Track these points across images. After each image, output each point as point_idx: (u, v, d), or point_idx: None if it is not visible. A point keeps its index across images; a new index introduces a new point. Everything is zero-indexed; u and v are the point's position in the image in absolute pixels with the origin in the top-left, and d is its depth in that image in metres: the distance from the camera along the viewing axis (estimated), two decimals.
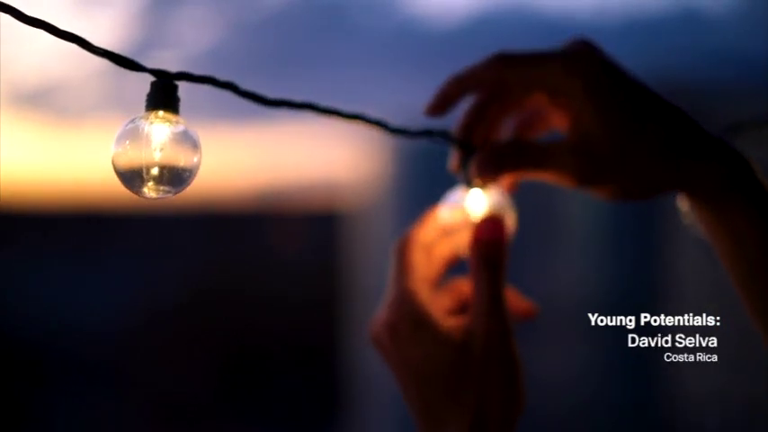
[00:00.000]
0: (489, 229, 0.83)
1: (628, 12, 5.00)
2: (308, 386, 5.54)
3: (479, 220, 0.84)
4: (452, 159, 0.86)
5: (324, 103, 0.80)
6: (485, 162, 0.82)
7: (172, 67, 0.73)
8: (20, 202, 5.94)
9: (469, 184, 0.85)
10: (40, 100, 5.89)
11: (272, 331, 5.74)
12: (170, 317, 5.68)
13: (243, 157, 5.81)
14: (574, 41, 0.82)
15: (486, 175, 0.83)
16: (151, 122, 0.71)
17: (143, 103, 0.72)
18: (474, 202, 0.85)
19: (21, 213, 5.98)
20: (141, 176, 0.71)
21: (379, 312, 0.83)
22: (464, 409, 0.78)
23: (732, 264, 0.80)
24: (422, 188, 4.07)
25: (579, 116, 0.80)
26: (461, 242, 0.85)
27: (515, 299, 0.87)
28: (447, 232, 0.86)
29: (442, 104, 0.84)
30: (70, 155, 5.95)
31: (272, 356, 5.72)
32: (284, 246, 5.97)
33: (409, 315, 0.80)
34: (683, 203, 0.87)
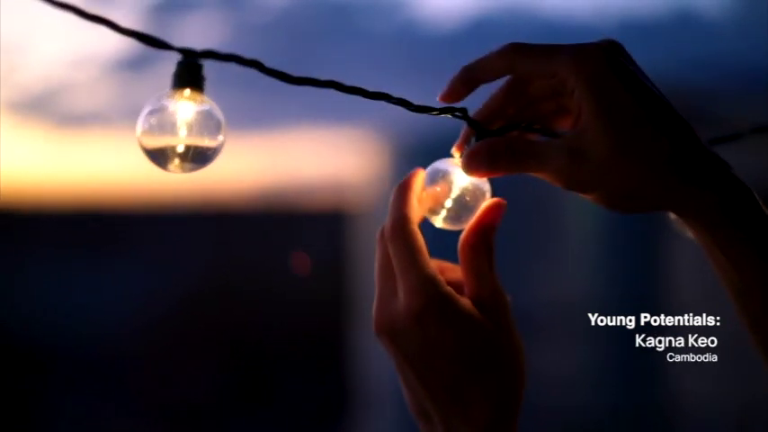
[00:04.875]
0: (497, 214, 0.85)
1: (625, 15, 5.04)
2: (314, 385, 5.54)
3: (488, 205, 0.86)
4: (461, 137, 0.87)
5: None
6: (476, 157, 0.83)
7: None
8: (23, 204, 5.97)
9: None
10: (44, 105, 5.93)
11: (279, 330, 5.75)
12: (175, 316, 5.69)
13: (250, 158, 5.83)
14: (600, 40, 0.80)
15: (475, 170, 0.83)
16: (177, 101, 0.73)
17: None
18: (461, 180, 0.86)
19: (24, 215, 6.00)
20: (167, 154, 0.73)
21: (394, 303, 0.83)
22: (492, 382, 0.81)
23: (727, 287, 0.78)
24: None
25: (579, 116, 0.79)
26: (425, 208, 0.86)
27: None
28: (431, 205, 0.87)
29: (454, 92, 0.85)
30: (74, 158, 5.98)
31: (278, 356, 5.72)
32: (291, 245, 5.97)
33: (437, 298, 0.80)
34: (672, 217, 0.84)
